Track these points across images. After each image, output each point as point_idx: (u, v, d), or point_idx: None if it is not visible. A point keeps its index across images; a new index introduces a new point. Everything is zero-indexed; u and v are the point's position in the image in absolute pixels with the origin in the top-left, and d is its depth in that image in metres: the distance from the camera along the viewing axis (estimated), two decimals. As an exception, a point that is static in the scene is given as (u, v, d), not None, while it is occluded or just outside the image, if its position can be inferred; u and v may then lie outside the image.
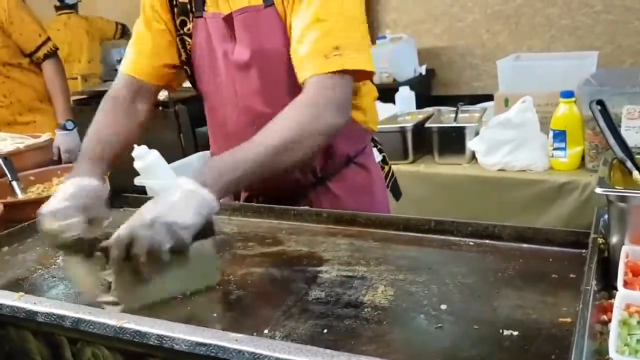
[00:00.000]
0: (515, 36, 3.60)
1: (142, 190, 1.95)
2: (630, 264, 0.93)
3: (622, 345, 0.76)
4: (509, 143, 2.35)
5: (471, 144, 2.54)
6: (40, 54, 2.74)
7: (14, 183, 1.79)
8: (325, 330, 0.92)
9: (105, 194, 1.29)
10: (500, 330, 0.88)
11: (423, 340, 0.89)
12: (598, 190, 0.97)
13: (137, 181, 1.91)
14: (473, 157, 2.60)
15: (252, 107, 1.40)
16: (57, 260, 1.28)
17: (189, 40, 1.45)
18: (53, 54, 2.84)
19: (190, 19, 1.43)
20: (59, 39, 4.91)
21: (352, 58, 1.23)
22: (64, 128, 2.67)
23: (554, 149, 2.30)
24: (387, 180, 1.73)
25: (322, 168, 1.48)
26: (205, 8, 1.40)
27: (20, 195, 1.76)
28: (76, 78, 4.93)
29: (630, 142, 1.16)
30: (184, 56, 1.48)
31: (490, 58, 3.46)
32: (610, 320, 0.81)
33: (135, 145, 2.14)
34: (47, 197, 1.69)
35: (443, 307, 0.96)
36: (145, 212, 1.01)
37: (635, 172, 1.11)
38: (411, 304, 0.98)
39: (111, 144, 1.40)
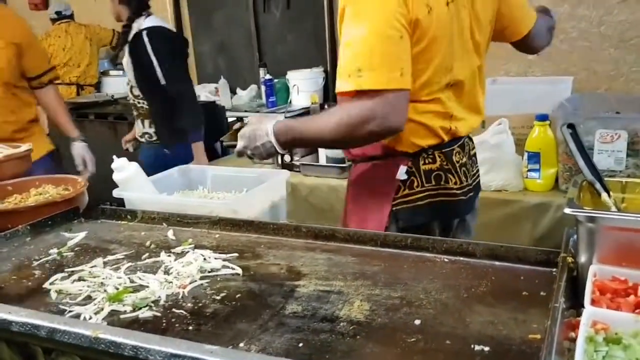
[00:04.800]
0: (492, 60, 3.65)
1: (120, 202, 1.93)
2: (597, 283, 0.96)
3: (588, 361, 0.78)
4: (485, 164, 2.39)
5: (449, 164, 2.56)
6: (46, 78, 2.80)
7: (-9, 193, 1.78)
8: (300, 344, 0.92)
9: None
10: (472, 346, 0.90)
11: (397, 354, 0.90)
12: (567, 210, 1.00)
13: (116, 193, 1.90)
14: (450, 176, 2.62)
15: None
16: (33, 272, 1.27)
17: None
18: (56, 79, 2.97)
19: None
20: (60, 45, 4.93)
21: (369, 78, 1.30)
22: (84, 141, 2.84)
23: (529, 170, 2.35)
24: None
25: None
26: None
27: (-3, 205, 1.74)
28: (72, 84, 4.94)
29: (603, 165, 1.21)
30: None
31: (469, 81, 3.51)
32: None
33: (114, 157, 2.14)
34: (25, 208, 1.70)
35: (417, 322, 0.98)
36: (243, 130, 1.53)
37: (603, 194, 1.14)
38: (386, 319, 1.00)
39: None
